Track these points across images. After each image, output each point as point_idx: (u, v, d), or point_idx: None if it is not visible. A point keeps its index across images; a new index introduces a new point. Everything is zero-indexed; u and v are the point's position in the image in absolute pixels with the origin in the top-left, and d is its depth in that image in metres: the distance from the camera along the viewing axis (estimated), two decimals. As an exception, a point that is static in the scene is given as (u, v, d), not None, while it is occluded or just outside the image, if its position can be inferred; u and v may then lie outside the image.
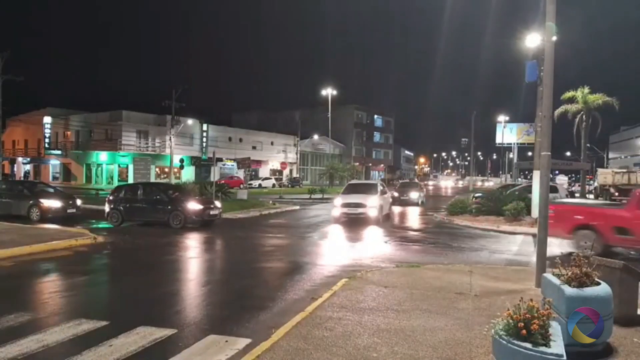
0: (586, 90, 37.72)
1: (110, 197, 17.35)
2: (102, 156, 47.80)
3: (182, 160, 39.40)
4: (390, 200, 22.75)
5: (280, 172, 59.68)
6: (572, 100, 38.32)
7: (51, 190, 19.48)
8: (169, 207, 16.31)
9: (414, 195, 29.37)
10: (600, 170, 35.18)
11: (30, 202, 17.14)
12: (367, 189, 19.94)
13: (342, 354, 4.71)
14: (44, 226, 15.15)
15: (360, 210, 18.05)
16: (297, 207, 25.84)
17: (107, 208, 16.99)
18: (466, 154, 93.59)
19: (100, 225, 16.48)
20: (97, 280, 8.70)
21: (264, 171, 61.23)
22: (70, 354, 4.85)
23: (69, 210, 17.79)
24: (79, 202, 18.79)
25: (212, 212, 16.74)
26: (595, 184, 32.59)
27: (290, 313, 6.20)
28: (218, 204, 18.07)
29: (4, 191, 18.40)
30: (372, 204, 18.13)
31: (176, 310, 6.86)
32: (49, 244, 11.33)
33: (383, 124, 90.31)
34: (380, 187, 20.17)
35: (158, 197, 16.85)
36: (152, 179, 37.36)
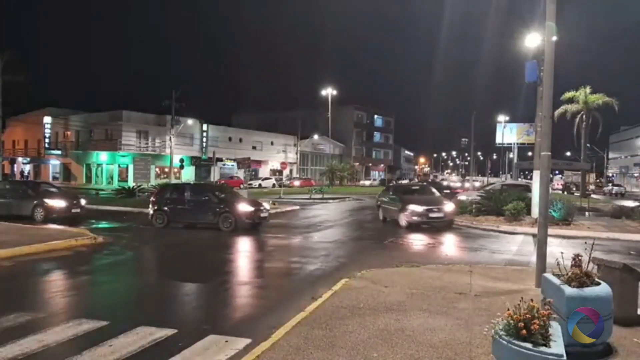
0: (588, 90, 37.75)
1: (154, 198, 16.79)
2: (102, 156, 47.82)
3: (182, 160, 39.42)
4: None
5: (281, 172, 59.67)
6: (572, 100, 38.35)
7: (55, 190, 19.31)
8: (219, 208, 15.47)
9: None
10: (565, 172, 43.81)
11: (35, 202, 16.94)
12: (426, 191, 18.75)
13: (342, 354, 4.71)
14: (44, 226, 15.14)
15: (440, 215, 16.40)
16: (297, 208, 25.83)
17: (150, 210, 16.41)
18: (466, 154, 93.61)
19: (109, 225, 16.46)
20: (97, 280, 8.69)
21: (264, 171, 61.24)
22: (70, 354, 4.85)
23: (73, 210, 17.59)
24: (83, 201, 18.61)
25: (262, 215, 16.00)
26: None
27: (291, 313, 6.20)
28: (267, 205, 17.42)
29: (7, 191, 18.26)
30: (449, 209, 16.78)
31: (176, 310, 6.87)
32: (49, 244, 11.32)
33: (383, 124, 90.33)
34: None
35: (206, 198, 16.15)
36: (152, 179, 37.31)
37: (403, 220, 16.44)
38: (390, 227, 17.66)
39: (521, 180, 37.20)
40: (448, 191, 31.80)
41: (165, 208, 16.15)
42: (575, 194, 42.92)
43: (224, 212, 15.32)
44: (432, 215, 16.30)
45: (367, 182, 71.77)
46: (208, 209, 15.65)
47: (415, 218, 16.21)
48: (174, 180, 36.62)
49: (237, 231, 14.88)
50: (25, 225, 14.60)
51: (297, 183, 55.46)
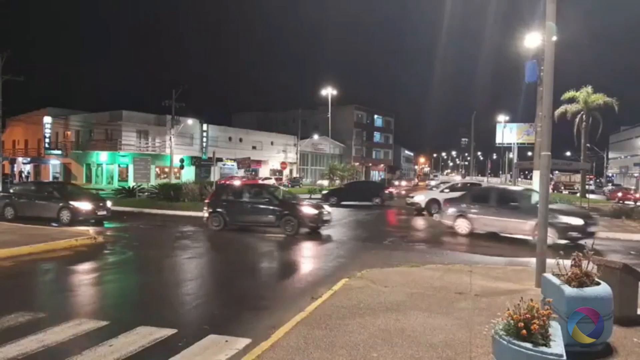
0: (590, 89, 37.72)
1: (210, 200, 16.19)
2: (102, 156, 47.78)
3: (182, 160, 39.36)
4: None
5: (281, 172, 59.65)
6: (572, 100, 38.34)
7: (80, 191, 18.94)
8: (281, 211, 14.78)
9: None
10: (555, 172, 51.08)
11: (60, 204, 16.58)
12: (520, 196, 14.69)
13: (342, 354, 4.71)
14: (44, 226, 15.12)
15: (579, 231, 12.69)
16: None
17: (205, 212, 15.85)
18: (466, 154, 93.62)
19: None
20: (97, 280, 8.69)
21: (264, 171, 61.21)
22: (70, 354, 4.85)
23: (99, 212, 17.03)
24: (109, 203, 18.05)
25: (324, 218, 15.29)
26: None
27: (290, 313, 6.20)
28: (328, 207, 16.79)
29: (33, 193, 17.96)
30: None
31: (176, 310, 6.87)
32: (49, 244, 11.32)
33: (383, 124, 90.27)
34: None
35: (267, 199, 15.32)
36: (153, 179, 37.30)
37: (552, 238, 11.42)
38: (390, 227, 17.67)
39: (493, 180, 37.49)
40: (391, 191, 31.12)
41: (222, 210, 15.53)
42: (563, 192, 43.54)
43: (287, 214, 14.67)
44: (590, 229, 12.84)
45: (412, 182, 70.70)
46: (269, 212, 14.98)
47: (572, 234, 12.53)
48: (173, 180, 36.48)
49: (300, 235, 14.37)
50: (25, 225, 14.60)
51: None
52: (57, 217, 16.41)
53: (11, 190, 18.56)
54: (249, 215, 15.39)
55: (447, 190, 22.68)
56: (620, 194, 41.16)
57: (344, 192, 29.76)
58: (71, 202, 16.66)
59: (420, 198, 22.79)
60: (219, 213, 15.57)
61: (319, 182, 56.72)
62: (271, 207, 15.02)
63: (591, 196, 37.42)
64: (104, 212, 17.33)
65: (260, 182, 37.98)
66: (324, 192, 31.13)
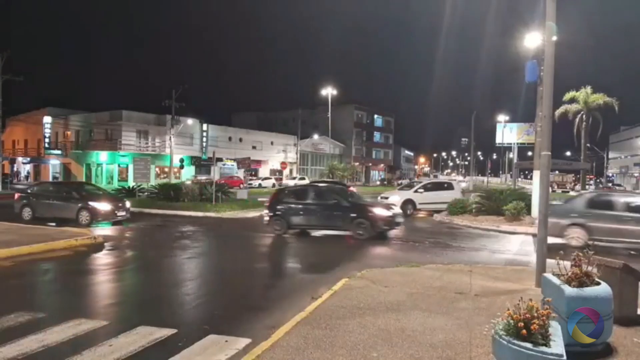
0: (589, 90, 37.76)
1: (271, 202, 15.43)
2: (102, 156, 47.76)
3: (182, 160, 39.38)
4: None
5: (281, 172, 59.67)
6: (573, 100, 38.38)
7: (99, 192, 18.63)
8: (351, 213, 13.93)
9: None
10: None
11: (79, 205, 16.35)
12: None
13: (342, 354, 4.71)
14: (44, 226, 15.13)
15: None
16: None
17: (266, 215, 15.28)
18: (466, 154, 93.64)
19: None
20: (97, 280, 8.69)
21: (264, 171, 61.21)
22: (70, 354, 4.85)
23: (118, 214, 16.75)
24: (128, 204, 17.75)
25: (397, 220, 14.48)
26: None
27: (290, 312, 6.20)
28: (397, 209, 15.96)
29: (51, 193, 17.70)
30: None
31: (176, 309, 6.87)
32: (49, 243, 11.31)
33: (383, 124, 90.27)
34: None
35: (334, 201, 14.48)
36: (153, 179, 37.26)
37: None
38: (408, 225, 17.66)
39: (460, 178, 37.51)
40: (353, 190, 29.93)
41: (284, 213, 14.80)
42: (557, 191, 43.75)
43: (358, 217, 13.81)
44: None
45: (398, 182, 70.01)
46: (338, 214, 14.12)
47: None
48: (173, 180, 36.49)
49: (373, 238, 13.46)
50: (25, 225, 14.60)
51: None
52: (75, 218, 16.20)
53: (29, 191, 18.29)
54: (315, 218, 14.56)
55: (421, 191, 22.56)
56: None
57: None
58: (90, 203, 16.43)
59: (396, 199, 21.90)
60: (280, 216, 14.81)
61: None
62: (340, 209, 14.17)
63: (573, 194, 37.91)
64: (124, 213, 17.05)
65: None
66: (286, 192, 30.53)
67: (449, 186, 23.91)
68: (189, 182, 32.05)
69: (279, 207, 15.02)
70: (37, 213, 16.90)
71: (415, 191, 22.67)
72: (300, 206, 14.90)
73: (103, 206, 16.48)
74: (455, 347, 4.88)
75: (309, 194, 15.45)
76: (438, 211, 21.56)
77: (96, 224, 16.09)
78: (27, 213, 17.01)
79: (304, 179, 50.43)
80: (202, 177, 42.38)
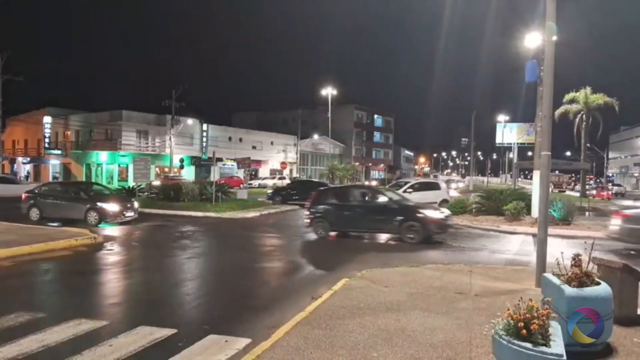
0: (589, 90, 37.80)
1: (313, 203, 14.71)
2: (102, 156, 47.75)
3: (182, 160, 39.40)
4: None
5: (281, 172, 59.67)
6: (573, 101, 38.42)
7: (107, 192, 18.55)
8: (401, 216, 13.14)
9: None
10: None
11: (88, 205, 16.24)
12: None
13: (342, 354, 4.71)
14: (44, 226, 15.13)
15: None
16: (297, 208, 25.83)
17: (307, 218, 14.59)
18: (466, 154, 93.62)
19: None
20: (97, 280, 8.69)
21: (264, 171, 61.21)
22: (70, 354, 4.85)
23: (127, 214, 16.66)
24: (136, 204, 17.71)
25: (448, 222, 13.83)
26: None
27: (291, 312, 6.20)
28: (446, 210, 15.15)
29: (59, 193, 17.64)
30: None
31: (176, 309, 6.86)
32: (49, 243, 11.31)
33: (383, 124, 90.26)
34: None
35: (383, 203, 13.81)
36: (152, 179, 37.23)
37: None
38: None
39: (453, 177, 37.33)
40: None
41: (327, 215, 14.11)
42: (553, 191, 43.87)
43: (408, 220, 13.04)
44: None
45: (374, 182, 70.11)
46: (386, 217, 13.35)
47: None
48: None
49: (424, 242, 12.81)
50: (25, 225, 14.59)
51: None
52: (84, 218, 16.14)
53: (36, 191, 18.15)
54: (361, 222, 13.78)
55: (410, 191, 22.12)
56: (594, 192, 44.70)
57: (288, 191, 28.93)
58: (98, 203, 16.32)
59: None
60: (323, 219, 14.10)
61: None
62: (389, 212, 13.41)
63: (573, 194, 38.09)
64: (132, 214, 17.01)
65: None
66: (269, 191, 30.41)
67: (435, 186, 23.67)
68: (156, 183, 31.97)
69: (320, 208, 14.31)
70: (44, 213, 16.83)
71: (404, 191, 22.11)
72: (344, 208, 14.19)
73: (111, 206, 16.41)
74: (455, 347, 4.88)
75: (354, 194, 14.86)
76: None
77: (104, 224, 16.05)
78: (34, 213, 16.92)
79: (284, 178, 49.36)
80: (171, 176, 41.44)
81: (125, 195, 21.27)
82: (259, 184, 52.03)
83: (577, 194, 41.15)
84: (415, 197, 21.54)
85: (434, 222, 13.14)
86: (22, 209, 17.35)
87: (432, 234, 13.23)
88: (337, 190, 16.52)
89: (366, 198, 14.48)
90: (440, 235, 13.66)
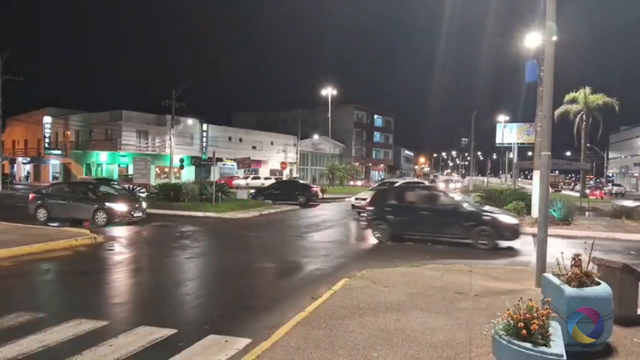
0: (588, 90, 37.82)
1: (371, 204, 13.95)
2: (102, 156, 47.76)
3: (182, 160, 39.31)
4: None
5: (281, 172, 59.65)
6: (573, 101, 38.44)
7: (115, 192, 18.33)
8: (472, 221, 12.45)
9: None
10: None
11: (96, 205, 16.19)
12: None
13: (342, 354, 4.71)
14: (44, 226, 15.12)
15: None
16: (297, 207, 25.84)
17: (363, 220, 13.75)
18: (466, 154, 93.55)
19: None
20: (97, 280, 8.68)
21: (264, 171, 61.21)
22: (71, 354, 4.85)
23: (135, 214, 16.62)
24: (144, 204, 17.67)
25: (521, 230, 13.08)
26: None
27: (291, 312, 6.20)
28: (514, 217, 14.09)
29: (66, 194, 17.49)
30: None
31: (176, 310, 6.86)
32: (49, 243, 11.32)
33: (383, 124, 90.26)
34: None
35: (452, 206, 13.00)
36: (152, 179, 37.22)
37: None
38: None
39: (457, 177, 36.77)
40: (316, 190, 30.26)
41: (390, 218, 13.25)
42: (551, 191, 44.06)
43: (480, 224, 12.31)
44: None
45: (360, 182, 69.33)
46: (456, 221, 12.56)
47: None
48: (173, 180, 36.41)
49: (495, 249, 12.07)
50: (25, 225, 14.58)
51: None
52: (92, 218, 16.12)
53: (44, 191, 18.09)
54: (428, 226, 12.99)
55: None
56: (587, 191, 44.95)
57: (271, 191, 29.28)
58: (106, 204, 16.29)
59: None
60: (384, 222, 13.32)
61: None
62: (459, 216, 12.64)
63: (573, 194, 38.16)
64: (140, 214, 16.98)
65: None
66: (252, 191, 30.57)
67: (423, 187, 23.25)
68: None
69: (381, 210, 13.56)
70: (52, 214, 16.78)
71: None
72: (408, 210, 13.41)
73: (119, 207, 16.37)
74: (455, 347, 4.88)
75: (419, 196, 14.05)
76: None
77: (112, 224, 16.01)
78: (42, 214, 16.83)
79: (258, 178, 48.52)
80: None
81: (133, 195, 21.13)
82: (247, 184, 51.85)
83: (576, 194, 41.28)
84: None
85: (507, 227, 12.38)
86: (29, 209, 17.30)
87: (505, 240, 12.33)
88: (399, 191, 15.73)
89: (433, 200, 13.67)
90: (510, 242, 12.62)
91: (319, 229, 16.66)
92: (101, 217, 16.07)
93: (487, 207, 14.22)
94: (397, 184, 25.68)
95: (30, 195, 17.79)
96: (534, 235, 12.19)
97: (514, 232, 12.39)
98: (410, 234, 13.28)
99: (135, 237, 14.13)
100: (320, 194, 31.39)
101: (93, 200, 16.53)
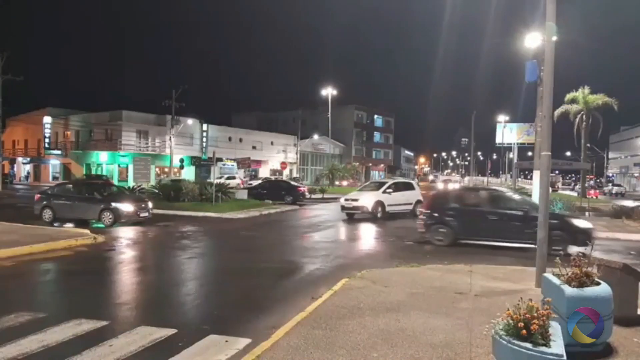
0: (587, 90, 37.85)
1: (429, 206, 13.41)
2: (102, 156, 47.77)
3: (182, 160, 39.36)
4: None
5: (281, 172, 59.65)
6: (573, 101, 38.46)
7: (121, 192, 18.49)
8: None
9: None
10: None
11: (102, 205, 16.13)
12: None
13: (342, 354, 4.71)
14: (44, 226, 15.12)
15: None
16: (297, 207, 25.84)
17: (421, 222, 13.27)
18: (466, 154, 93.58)
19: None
20: (97, 280, 8.68)
21: (264, 171, 61.20)
22: (71, 354, 4.85)
23: (141, 214, 16.57)
24: (150, 204, 17.54)
25: (595, 235, 12.25)
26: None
27: (291, 313, 6.20)
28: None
29: (72, 194, 17.51)
30: None
31: (176, 310, 6.87)
32: (49, 244, 11.32)
33: (383, 124, 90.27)
34: None
35: (522, 210, 12.17)
36: (152, 179, 37.19)
37: None
38: (390, 227, 17.67)
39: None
40: (303, 190, 29.80)
41: (450, 221, 12.74)
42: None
43: (553, 228, 10.67)
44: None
45: (345, 183, 67.91)
46: (525, 225, 11.66)
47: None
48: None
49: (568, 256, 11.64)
50: (25, 225, 14.58)
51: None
52: (98, 218, 16.09)
53: (49, 192, 18.01)
54: (495, 230, 12.31)
55: (389, 191, 21.17)
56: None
57: (259, 190, 29.46)
58: (113, 204, 16.22)
59: (367, 200, 20.29)
60: (444, 225, 12.77)
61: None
62: (529, 220, 11.59)
63: (572, 194, 38.24)
64: (146, 214, 16.92)
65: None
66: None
67: (411, 187, 23.11)
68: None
69: (441, 213, 13.03)
70: (58, 214, 16.68)
71: (384, 192, 20.99)
72: (472, 214, 12.81)
73: (126, 207, 16.30)
74: (455, 347, 4.88)
75: (483, 199, 13.34)
76: (404, 213, 20.81)
77: (119, 224, 15.99)
78: (47, 214, 16.74)
79: (233, 178, 47.86)
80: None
81: (139, 195, 21.06)
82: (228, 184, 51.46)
83: (575, 194, 41.26)
84: (397, 198, 21.17)
85: (582, 232, 11.63)
86: (34, 209, 17.21)
87: (579, 245, 10.95)
88: (461, 194, 15.08)
89: (499, 203, 12.99)
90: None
91: (319, 229, 16.67)
92: (107, 217, 16.01)
93: (557, 210, 13.17)
94: (403, 181, 25.79)
95: (36, 196, 17.76)
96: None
97: (589, 237, 11.20)
98: (475, 238, 12.68)
99: (136, 237, 14.12)
100: (307, 194, 31.13)
101: (99, 200, 16.47)
